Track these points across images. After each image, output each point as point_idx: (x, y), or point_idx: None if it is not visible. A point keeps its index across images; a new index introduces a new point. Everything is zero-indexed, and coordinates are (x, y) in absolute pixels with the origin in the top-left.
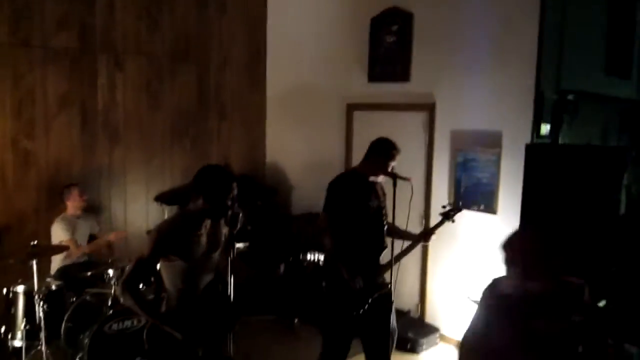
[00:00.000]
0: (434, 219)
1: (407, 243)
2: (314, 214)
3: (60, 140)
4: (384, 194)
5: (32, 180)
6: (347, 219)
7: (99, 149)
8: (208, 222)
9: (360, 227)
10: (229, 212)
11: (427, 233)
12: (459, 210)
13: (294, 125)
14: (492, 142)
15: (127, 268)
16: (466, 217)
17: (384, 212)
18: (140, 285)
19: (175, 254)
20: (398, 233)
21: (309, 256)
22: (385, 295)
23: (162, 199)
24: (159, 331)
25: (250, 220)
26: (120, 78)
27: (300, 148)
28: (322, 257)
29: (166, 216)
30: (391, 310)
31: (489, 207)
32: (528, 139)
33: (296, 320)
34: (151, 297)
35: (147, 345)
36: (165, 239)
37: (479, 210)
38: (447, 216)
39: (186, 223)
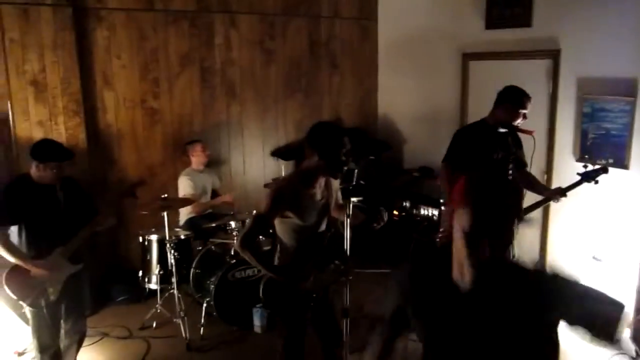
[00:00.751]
0: (557, 174)
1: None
2: (427, 168)
3: (182, 98)
4: (516, 144)
5: (159, 137)
6: (467, 170)
7: (218, 105)
8: (322, 179)
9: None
10: (344, 167)
11: (561, 191)
12: (605, 171)
13: (406, 77)
14: (626, 89)
15: (247, 224)
16: None
17: (510, 164)
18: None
19: (291, 211)
20: (530, 184)
21: (422, 211)
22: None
23: (278, 153)
24: (274, 284)
25: (362, 175)
26: (235, 36)
27: (412, 100)
28: (435, 212)
29: (282, 170)
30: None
31: (620, 161)
32: None
33: None
34: (268, 248)
35: (263, 296)
36: (281, 197)
37: (607, 164)
38: (588, 177)
39: (301, 180)
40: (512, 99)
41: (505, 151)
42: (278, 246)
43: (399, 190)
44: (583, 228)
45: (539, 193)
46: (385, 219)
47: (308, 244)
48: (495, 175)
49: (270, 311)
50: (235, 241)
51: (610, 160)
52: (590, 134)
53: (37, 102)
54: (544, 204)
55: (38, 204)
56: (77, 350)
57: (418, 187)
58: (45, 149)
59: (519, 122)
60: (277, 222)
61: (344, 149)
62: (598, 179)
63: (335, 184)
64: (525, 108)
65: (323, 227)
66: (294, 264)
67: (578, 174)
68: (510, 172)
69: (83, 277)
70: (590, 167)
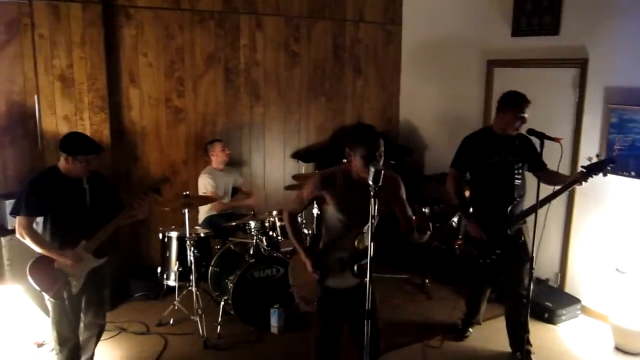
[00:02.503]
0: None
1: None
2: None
3: (206, 98)
4: (527, 148)
5: (182, 135)
6: (471, 174)
7: (241, 106)
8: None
9: (482, 181)
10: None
11: (583, 175)
12: (612, 161)
13: (429, 82)
14: None
15: (290, 200)
16: (617, 182)
17: (516, 165)
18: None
19: (329, 196)
20: (556, 181)
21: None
22: (517, 246)
23: (299, 156)
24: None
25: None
26: (260, 38)
27: (435, 106)
28: (455, 218)
29: (303, 172)
30: (525, 261)
31: None
32: None
33: (427, 280)
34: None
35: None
36: (321, 180)
37: (630, 175)
38: (597, 168)
39: (345, 172)
40: (509, 104)
41: (510, 154)
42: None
43: (418, 196)
44: (606, 240)
45: (566, 186)
46: (427, 236)
47: (339, 237)
48: (498, 178)
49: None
50: (254, 240)
51: (634, 172)
52: (616, 145)
53: (63, 97)
54: (568, 188)
55: (65, 196)
56: (96, 344)
57: (438, 193)
58: (75, 143)
59: (517, 125)
60: (324, 209)
61: (379, 149)
62: (607, 170)
63: (399, 192)
64: (522, 112)
65: (362, 226)
66: (324, 253)
67: (582, 166)
68: (518, 175)
69: (105, 271)
70: (595, 159)
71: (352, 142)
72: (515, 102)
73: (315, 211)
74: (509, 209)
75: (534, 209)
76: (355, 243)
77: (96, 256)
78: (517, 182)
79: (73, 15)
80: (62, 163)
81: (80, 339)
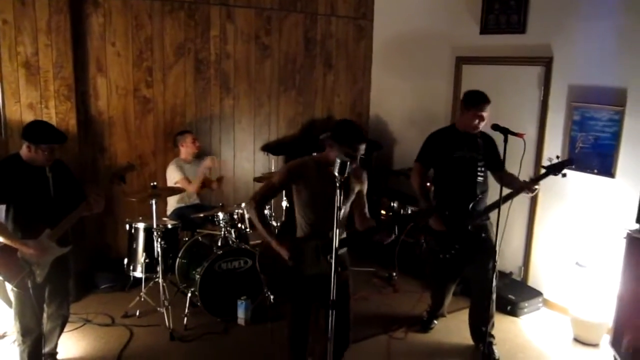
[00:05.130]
0: (544, 180)
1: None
2: None
3: (176, 89)
4: (488, 147)
5: (150, 126)
6: (435, 169)
7: (211, 97)
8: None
9: (445, 176)
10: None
11: (527, 184)
12: (570, 163)
13: (399, 78)
14: (616, 99)
15: (258, 189)
16: (579, 179)
17: (479, 163)
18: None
19: (301, 186)
20: (509, 183)
21: (410, 211)
22: (479, 242)
23: (268, 148)
24: (270, 256)
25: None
26: (231, 29)
27: (405, 101)
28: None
29: (272, 165)
30: (489, 256)
31: (606, 169)
32: None
33: (395, 274)
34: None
35: (259, 267)
36: (293, 170)
37: (593, 172)
38: (554, 169)
39: (317, 163)
40: (469, 103)
41: (472, 151)
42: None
43: (387, 190)
44: (567, 235)
45: (510, 187)
46: (393, 237)
47: (313, 227)
48: (460, 174)
49: (267, 285)
50: (222, 232)
51: (597, 169)
52: (578, 142)
53: (28, 85)
54: (514, 196)
55: (27, 185)
56: (59, 335)
57: (406, 188)
58: (38, 131)
59: (476, 124)
60: (294, 197)
61: (359, 152)
62: (565, 171)
63: (358, 187)
64: (481, 111)
65: (331, 217)
66: (300, 242)
67: (542, 166)
68: (481, 172)
69: (69, 261)
70: (555, 160)
71: (339, 138)
72: (474, 102)
73: (285, 204)
74: (471, 204)
75: (495, 206)
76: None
77: (60, 245)
78: (480, 178)
79: (39, 1)
80: (25, 151)
81: (44, 330)
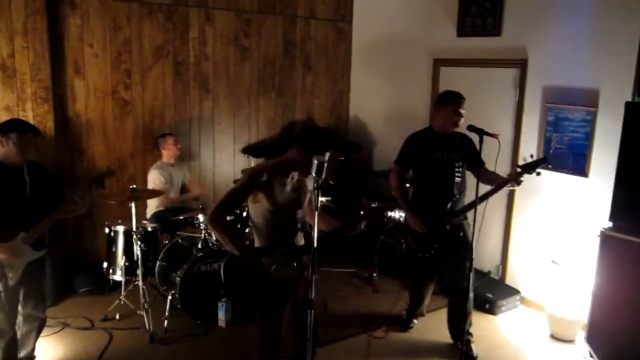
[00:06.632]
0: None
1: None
2: None
3: (154, 91)
4: (466, 146)
5: (129, 128)
6: (414, 170)
7: (190, 99)
8: (296, 174)
9: (423, 177)
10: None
11: (514, 176)
12: (544, 162)
13: (378, 79)
14: (588, 100)
15: (218, 202)
16: (554, 178)
17: (457, 164)
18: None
19: (264, 192)
20: (491, 180)
21: (389, 213)
22: (457, 241)
23: (248, 150)
24: (236, 265)
25: (332, 176)
26: (210, 32)
27: (384, 103)
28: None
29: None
30: (466, 256)
31: (580, 169)
32: (629, 98)
33: (375, 274)
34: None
35: (224, 277)
36: (258, 175)
37: (567, 172)
38: (529, 168)
39: (278, 167)
40: (446, 100)
41: (450, 152)
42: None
43: (366, 191)
44: (544, 233)
45: (502, 182)
46: (362, 227)
47: (278, 233)
48: (439, 174)
49: (232, 294)
50: (202, 234)
51: (572, 169)
52: (553, 142)
53: (4, 87)
54: (499, 190)
55: (4, 186)
56: (36, 339)
57: (386, 189)
58: (8, 123)
59: (455, 120)
60: (251, 206)
61: (326, 160)
62: (539, 170)
63: (309, 185)
64: (459, 107)
65: (294, 221)
66: (267, 250)
67: (518, 165)
68: (458, 172)
69: (44, 263)
70: (530, 159)
71: (314, 146)
72: (451, 98)
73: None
74: (449, 205)
75: (472, 206)
76: (300, 241)
77: (35, 248)
78: (457, 179)
79: (15, 1)
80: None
81: (19, 333)
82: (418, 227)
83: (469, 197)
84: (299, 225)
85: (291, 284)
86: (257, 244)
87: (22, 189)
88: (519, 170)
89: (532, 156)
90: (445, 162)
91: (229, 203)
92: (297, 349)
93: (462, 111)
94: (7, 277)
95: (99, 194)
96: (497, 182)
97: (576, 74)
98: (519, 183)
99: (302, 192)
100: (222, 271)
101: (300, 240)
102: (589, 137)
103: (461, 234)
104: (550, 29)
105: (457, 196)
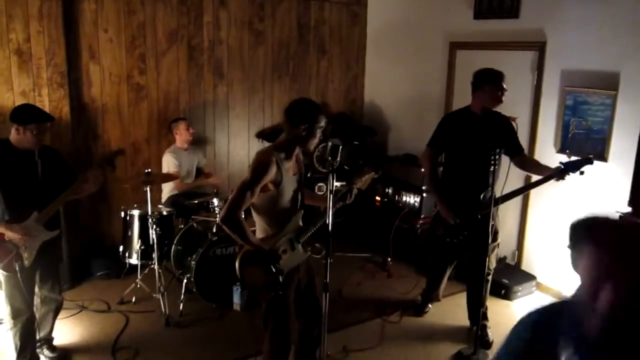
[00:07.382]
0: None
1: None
2: (411, 156)
3: (169, 76)
4: (505, 131)
5: (144, 113)
6: (446, 154)
7: (204, 84)
8: (297, 151)
9: (457, 163)
10: (317, 139)
11: (561, 171)
12: (589, 162)
13: (393, 64)
14: (608, 83)
15: (230, 197)
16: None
17: (493, 152)
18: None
19: (272, 182)
20: (532, 167)
21: (404, 198)
22: (485, 228)
23: (263, 135)
24: (251, 260)
25: (347, 161)
26: (224, 16)
27: (399, 87)
28: (417, 199)
29: None
30: (492, 241)
31: (599, 153)
32: None
33: (389, 259)
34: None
35: (239, 273)
36: (265, 168)
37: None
38: (574, 166)
39: (281, 151)
40: (488, 79)
41: (491, 139)
42: (257, 223)
43: (382, 176)
44: (560, 218)
45: (542, 174)
46: (353, 196)
47: (281, 216)
48: (474, 161)
49: (248, 291)
50: (217, 218)
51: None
52: (571, 126)
53: (20, 72)
54: (546, 181)
55: (15, 169)
56: (54, 320)
57: (401, 174)
58: (25, 112)
59: (500, 96)
60: (255, 198)
61: (319, 124)
62: (583, 169)
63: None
64: (502, 82)
65: (298, 204)
66: (275, 239)
67: (561, 163)
68: (495, 159)
69: (60, 247)
70: (574, 158)
71: (295, 118)
72: (494, 76)
73: None
74: (482, 195)
75: (508, 197)
76: (300, 221)
77: (48, 229)
78: (493, 167)
79: None
80: (13, 134)
81: (37, 315)
82: (450, 219)
83: (498, 187)
84: (298, 206)
85: (296, 269)
86: (258, 228)
87: (34, 171)
88: (562, 167)
89: (569, 156)
90: (482, 149)
91: (240, 201)
92: (302, 331)
93: (505, 87)
94: (23, 258)
95: (113, 177)
96: (543, 174)
97: (596, 57)
98: (564, 179)
99: (300, 171)
100: (237, 267)
101: (299, 221)
102: (609, 121)
103: (491, 222)
104: (569, 10)
105: (490, 186)
